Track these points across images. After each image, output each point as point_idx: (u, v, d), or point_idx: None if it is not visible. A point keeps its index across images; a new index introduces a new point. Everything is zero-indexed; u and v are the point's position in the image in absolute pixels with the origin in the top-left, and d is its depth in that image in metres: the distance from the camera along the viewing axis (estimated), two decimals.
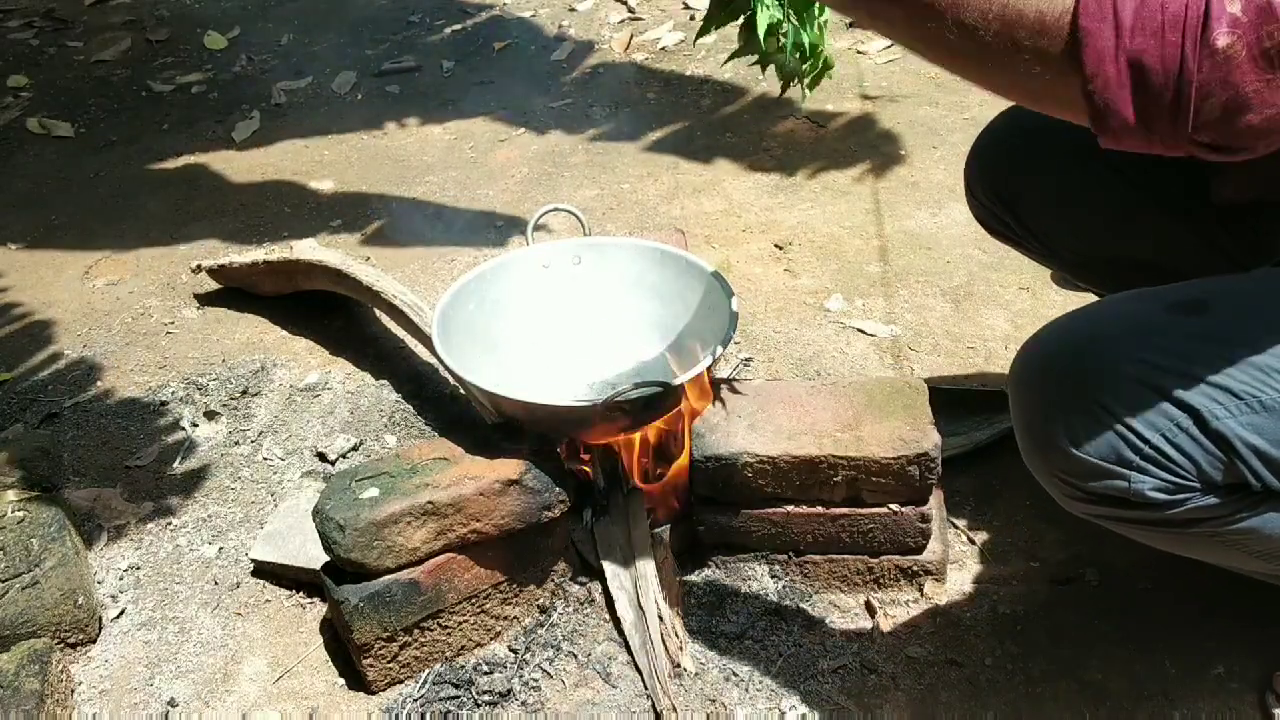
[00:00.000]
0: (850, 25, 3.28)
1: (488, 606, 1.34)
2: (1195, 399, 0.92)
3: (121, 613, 1.47)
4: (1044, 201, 1.37)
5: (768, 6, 1.74)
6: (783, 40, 1.81)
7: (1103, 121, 0.78)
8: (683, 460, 1.39)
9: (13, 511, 1.43)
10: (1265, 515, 0.96)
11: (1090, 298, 1.52)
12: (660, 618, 1.31)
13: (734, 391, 1.40)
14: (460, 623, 1.33)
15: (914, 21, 0.82)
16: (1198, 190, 1.21)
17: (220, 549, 1.57)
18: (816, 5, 1.79)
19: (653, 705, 1.25)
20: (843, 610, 1.37)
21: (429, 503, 1.24)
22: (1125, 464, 0.94)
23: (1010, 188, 1.39)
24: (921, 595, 1.38)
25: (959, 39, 0.80)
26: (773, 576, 1.39)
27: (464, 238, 2.33)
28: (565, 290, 1.58)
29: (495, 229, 2.36)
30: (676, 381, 1.26)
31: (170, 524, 1.62)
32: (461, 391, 1.77)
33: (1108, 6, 0.75)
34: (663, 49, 3.25)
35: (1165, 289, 1.02)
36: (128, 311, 2.18)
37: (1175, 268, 1.14)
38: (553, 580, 1.39)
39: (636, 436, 1.40)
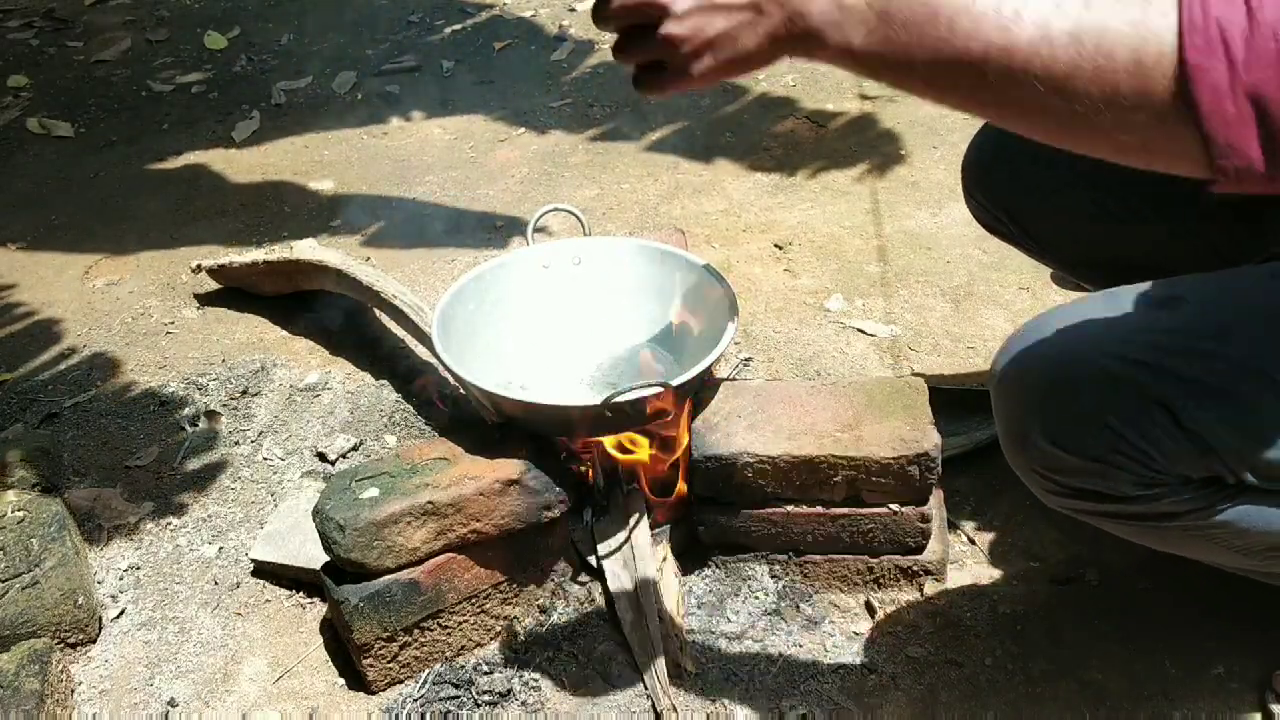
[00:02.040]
0: None
1: (488, 606, 1.34)
2: (1169, 394, 0.92)
3: (121, 613, 1.47)
4: (1040, 204, 1.37)
5: None
6: None
7: (1223, 165, 0.70)
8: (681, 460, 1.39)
9: (13, 511, 1.43)
10: (1241, 509, 0.97)
11: None
12: (660, 618, 1.31)
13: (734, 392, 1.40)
14: (460, 623, 1.32)
15: (1005, 89, 0.73)
16: (1191, 189, 1.21)
17: (220, 549, 1.57)
18: None
19: (653, 705, 1.25)
20: (843, 610, 1.37)
21: (429, 503, 1.24)
22: (1101, 459, 0.95)
23: (1007, 190, 1.40)
24: (921, 595, 1.38)
25: (1050, 99, 0.72)
26: (773, 576, 1.39)
27: (464, 238, 2.33)
28: (565, 290, 1.58)
29: (495, 229, 2.36)
30: (676, 382, 1.26)
31: (170, 524, 1.62)
32: (461, 391, 1.77)
33: (1215, 39, 0.67)
34: None
35: (1143, 285, 1.02)
36: (128, 311, 2.18)
37: (1171, 268, 1.14)
38: (553, 580, 1.39)
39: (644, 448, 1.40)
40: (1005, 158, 1.39)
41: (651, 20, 0.78)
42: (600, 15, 0.81)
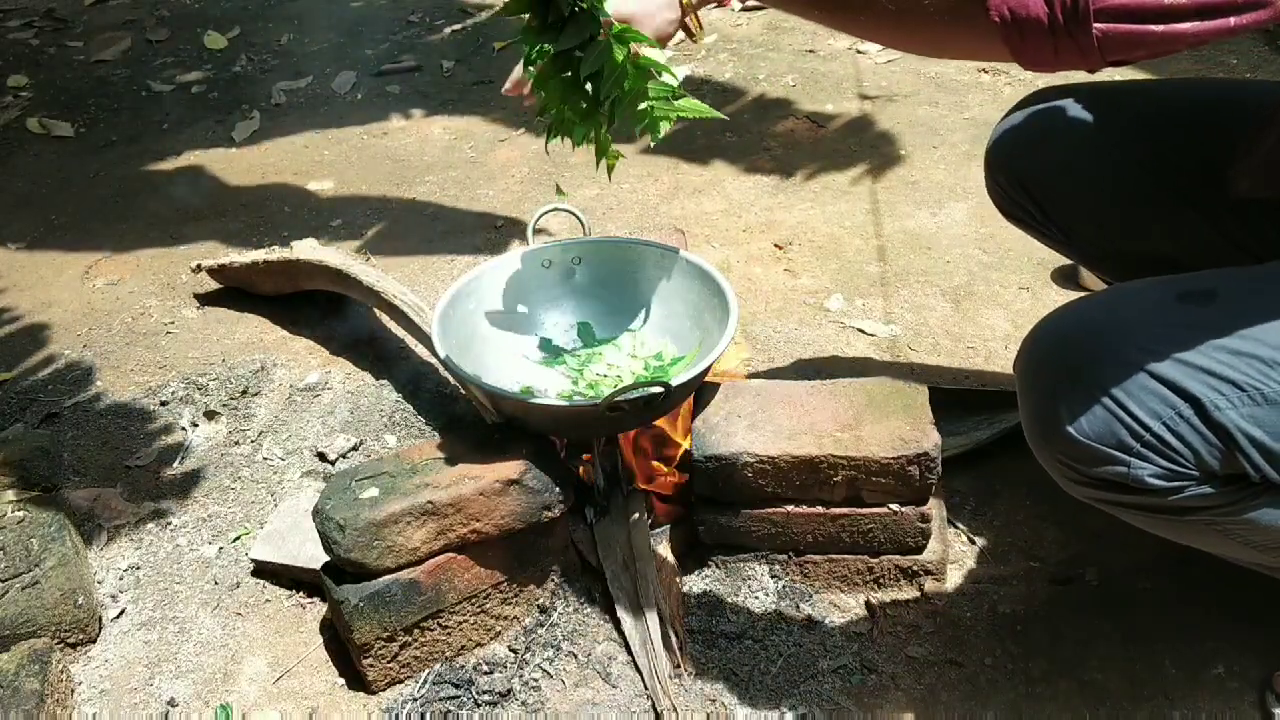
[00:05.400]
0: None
1: (488, 606, 1.34)
2: (1198, 388, 0.92)
3: (121, 613, 1.47)
4: (1065, 191, 1.37)
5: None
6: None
7: (1016, 28, 0.84)
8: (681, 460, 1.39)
9: (13, 511, 1.43)
10: (1262, 508, 0.97)
11: None
12: (660, 618, 1.31)
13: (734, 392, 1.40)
14: (460, 623, 1.32)
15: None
16: (1216, 185, 1.21)
17: (220, 549, 1.57)
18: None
19: (653, 705, 1.25)
20: (843, 610, 1.37)
21: (429, 503, 1.24)
22: (1125, 450, 0.95)
23: (1032, 175, 1.39)
24: (921, 595, 1.38)
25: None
26: (773, 576, 1.39)
27: (464, 238, 2.33)
28: (565, 290, 1.58)
29: (495, 229, 2.36)
30: (676, 381, 1.26)
31: (170, 524, 1.62)
32: (462, 391, 1.77)
33: None
34: None
35: (1175, 278, 1.02)
36: (128, 311, 2.18)
37: (1195, 263, 1.14)
38: (553, 580, 1.39)
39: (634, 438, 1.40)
40: (1035, 139, 1.38)
41: None
42: None
